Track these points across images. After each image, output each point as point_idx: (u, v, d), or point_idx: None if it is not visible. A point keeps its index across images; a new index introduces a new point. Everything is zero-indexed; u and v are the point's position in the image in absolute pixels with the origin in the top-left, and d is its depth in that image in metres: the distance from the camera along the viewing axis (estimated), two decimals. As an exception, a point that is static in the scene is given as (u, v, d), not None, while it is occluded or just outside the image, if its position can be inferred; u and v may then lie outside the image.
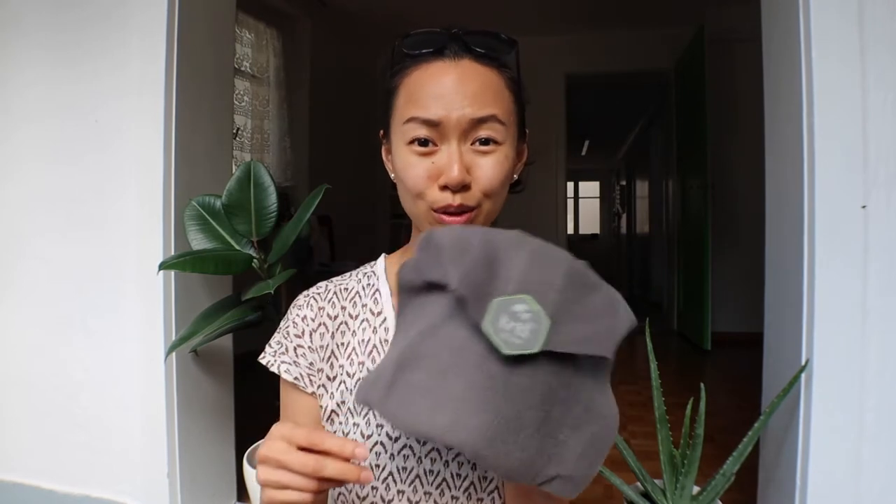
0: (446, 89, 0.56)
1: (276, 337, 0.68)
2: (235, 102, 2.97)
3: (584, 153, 9.40)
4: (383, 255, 0.73)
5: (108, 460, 1.56)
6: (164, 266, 1.33)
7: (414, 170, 0.58)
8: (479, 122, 0.56)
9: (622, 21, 4.24)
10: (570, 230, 10.91)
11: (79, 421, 1.59)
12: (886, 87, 1.06)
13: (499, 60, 0.60)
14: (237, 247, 1.44)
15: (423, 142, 0.57)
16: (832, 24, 1.08)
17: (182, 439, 1.49)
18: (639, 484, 1.21)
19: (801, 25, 1.11)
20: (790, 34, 1.16)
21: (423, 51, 0.59)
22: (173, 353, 1.43)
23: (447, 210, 0.57)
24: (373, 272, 0.71)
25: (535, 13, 4.08)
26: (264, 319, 1.41)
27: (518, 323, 0.40)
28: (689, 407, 1.16)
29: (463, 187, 0.57)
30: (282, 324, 0.69)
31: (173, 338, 1.44)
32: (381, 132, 0.66)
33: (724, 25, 3.78)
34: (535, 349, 0.40)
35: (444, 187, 0.57)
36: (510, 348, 0.40)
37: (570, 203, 11.33)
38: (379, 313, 0.66)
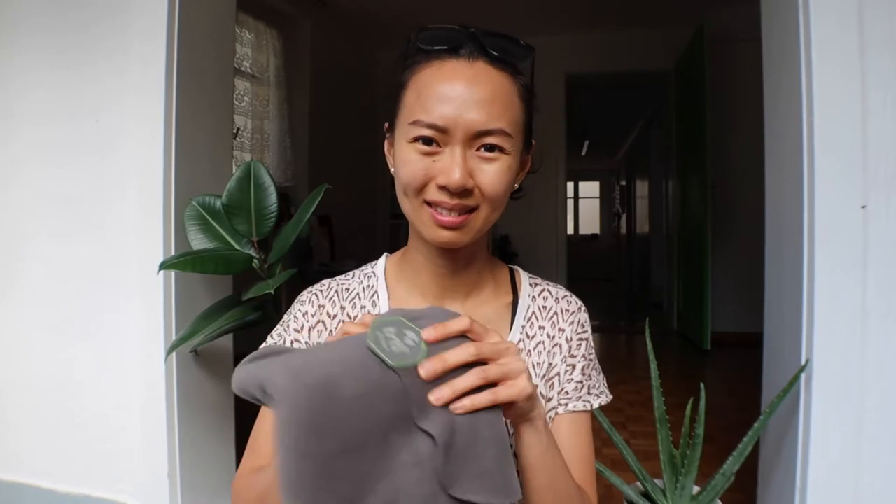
0: (456, 93, 0.55)
1: (278, 329, 0.69)
2: (235, 102, 2.97)
3: (584, 153, 9.40)
4: (385, 255, 0.72)
5: (108, 460, 1.56)
6: (164, 266, 1.33)
7: (413, 165, 0.56)
8: (485, 133, 0.55)
9: (622, 21, 4.24)
10: (570, 230, 10.91)
11: (79, 421, 1.59)
12: (886, 87, 1.06)
13: (514, 66, 0.58)
14: (237, 247, 1.44)
15: (427, 140, 0.55)
16: (832, 24, 1.08)
17: (182, 439, 1.49)
18: (639, 484, 1.21)
19: (801, 26, 1.11)
20: (790, 34, 1.16)
21: (438, 47, 0.57)
22: (173, 353, 1.43)
23: (443, 205, 0.56)
24: (373, 272, 0.70)
25: (535, 13, 4.08)
26: (264, 319, 1.41)
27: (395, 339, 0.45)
28: (688, 407, 1.16)
29: (464, 191, 0.55)
30: (284, 317, 0.69)
31: (173, 338, 1.44)
32: (386, 125, 0.64)
33: (724, 25, 3.78)
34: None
35: (443, 188, 0.55)
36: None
37: (570, 203, 11.34)
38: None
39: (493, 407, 0.45)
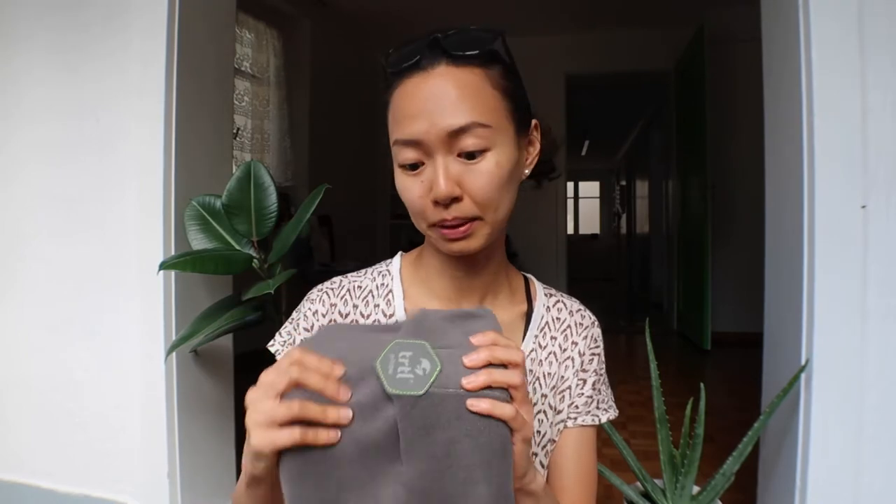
0: (420, 105, 0.55)
1: (287, 327, 0.69)
2: (235, 102, 2.97)
3: (584, 153, 9.40)
4: (400, 253, 0.72)
5: (108, 460, 1.56)
6: (164, 266, 1.33)
7: (408, 192, 0.58)
8: (458, 132, 0.54)
9: (622, 21, 4.24)
10: (570, 230, 10.91)
11: (79, 421, 1.59)
12: (886, 87, 1.06)
13: (479, 58, 0.56)
14: (237, 247, 1.44)
15: (412, 165, 0.57)
16: (832, 24, 1.08)
17: (182, 439, 1.49)
18: (639, 484, 1.21)
19: (801, 26, 1.11)
20: (790, 35, 1.16)
21: (402, 66, 0.57)
22: (173, 353, 1.43)
23: (443, 224, 0.57)
24: (388, 271, 0.69)
25: (535, 13, 4.08)
26: (264, 319, 1.41)
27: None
28: (688, 407, 1.16)
29: (454, 200, 0.55)
30: (294, 314, 0.69)
31: (173, 338, 1.44)
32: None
33: (724, 25, 3.78)
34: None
35: (436, 202, 0.56)
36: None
37: (570, 203, 11.34)
38: (391, 315, 0.66)
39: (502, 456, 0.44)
